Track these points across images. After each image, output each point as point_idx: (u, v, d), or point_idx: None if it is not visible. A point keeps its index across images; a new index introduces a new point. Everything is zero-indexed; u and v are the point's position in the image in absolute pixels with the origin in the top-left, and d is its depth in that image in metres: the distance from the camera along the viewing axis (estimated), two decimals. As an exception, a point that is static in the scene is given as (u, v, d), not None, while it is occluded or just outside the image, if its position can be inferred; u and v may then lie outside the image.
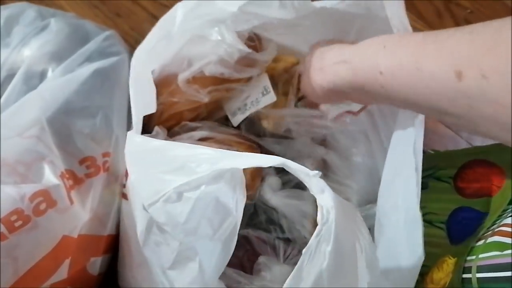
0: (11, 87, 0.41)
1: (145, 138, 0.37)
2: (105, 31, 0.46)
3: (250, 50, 0.41)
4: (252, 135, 0.49)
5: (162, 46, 0.41)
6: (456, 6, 0.64)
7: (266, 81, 0.45)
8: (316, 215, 0.27)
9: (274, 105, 0.47)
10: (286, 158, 0.29)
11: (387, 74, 0.31)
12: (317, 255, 0.27)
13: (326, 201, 0.27)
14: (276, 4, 0.39)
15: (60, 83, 0.41)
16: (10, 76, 0.42)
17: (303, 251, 0.27)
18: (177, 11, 0.40)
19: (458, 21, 0.64)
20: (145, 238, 0.36)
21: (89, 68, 0.42)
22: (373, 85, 0.32)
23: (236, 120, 0.47)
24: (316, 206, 0.28)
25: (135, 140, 0.37)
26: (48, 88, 0.41)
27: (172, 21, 0.39)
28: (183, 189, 0.31)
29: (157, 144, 0.35)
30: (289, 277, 0.27)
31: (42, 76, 0.42)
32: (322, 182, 0.28)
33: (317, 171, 0.28)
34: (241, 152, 0.32)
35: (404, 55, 0.30)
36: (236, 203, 0.31)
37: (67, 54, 0.43)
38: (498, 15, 0.70)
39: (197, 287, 0.33)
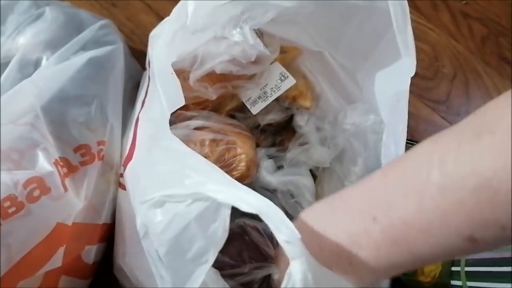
0: (6, 75, 0.41)
1: (175, 139, 0.34)
2: (100, 20, 0.46)
3: (269, 53, 0.41)
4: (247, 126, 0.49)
5: (180, 39, 0.39)
6: (451, -2, 0.65)
7: (280, 68, 0.45)
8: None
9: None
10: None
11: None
12: None
13: (294, 270, 0.25)
14: None
15: (55, 71, 0.41)
16: (5, 64, 0.42)
17: None
18: (188, 1, 0.38)
19: (454, 13, 0.64)
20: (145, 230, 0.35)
21: (84, 57, 0.42)
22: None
23: (256, 108, 0.46)
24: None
25: (168, 134, 0.35)
26: (42, 76, 0.40)
27: (184, 13, 0.37)
28: (167, 199, 0.31)
29: (178, 147, 0.33)
30: None
31: (37, 64, 0.42)
32: (297, 248, 0.25)
33: (296, 236, 0.25)
34: (236, 184, 0.29)
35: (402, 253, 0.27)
36: (214, 239, 0.29)
37: (62, 43, 0.43)
38: (493, 6, 0.70)
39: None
